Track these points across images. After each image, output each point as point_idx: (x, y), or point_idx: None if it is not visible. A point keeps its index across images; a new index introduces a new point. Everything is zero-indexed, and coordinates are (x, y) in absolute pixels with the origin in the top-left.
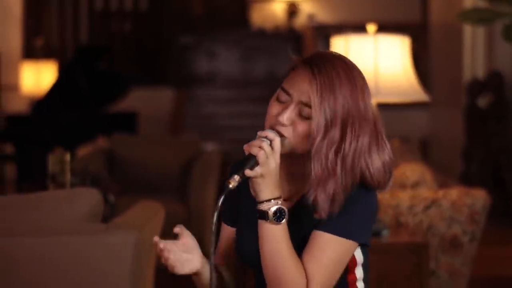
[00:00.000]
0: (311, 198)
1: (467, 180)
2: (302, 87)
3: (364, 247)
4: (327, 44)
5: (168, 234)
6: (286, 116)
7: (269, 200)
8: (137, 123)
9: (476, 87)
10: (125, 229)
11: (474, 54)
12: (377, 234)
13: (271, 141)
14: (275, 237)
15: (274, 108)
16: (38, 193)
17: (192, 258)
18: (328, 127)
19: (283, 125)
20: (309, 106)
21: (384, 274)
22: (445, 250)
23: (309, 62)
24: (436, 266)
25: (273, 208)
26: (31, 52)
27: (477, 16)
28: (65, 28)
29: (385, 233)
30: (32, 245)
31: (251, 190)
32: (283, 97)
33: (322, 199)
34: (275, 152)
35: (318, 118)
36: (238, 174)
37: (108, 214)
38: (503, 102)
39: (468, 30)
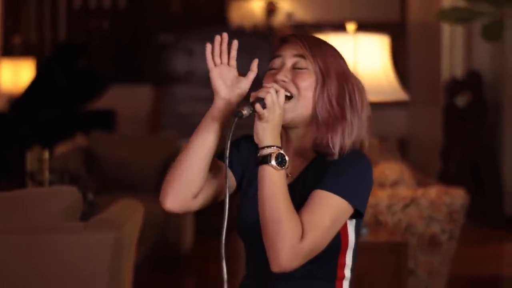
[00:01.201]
0: (323, 141)
1: (446, 179)
2: (291, 46)
3: (358, 225)
4: None
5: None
6: (283, 73)
7: (271, 146)
8: (115, 121)
9: (455, 87)
10: (104, 227)
11: (453, 53)
12: None
13: (276, 91)
14: (275, 182)
15: (269, 76)
16: (16, 191)
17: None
18: (324, 76)
19: (283, 81)
20: (303, 57)
21: (363, 273)
22: (424, 249)
23: (294, 34)
24: (414, 265)
25: (275, 153)
26: (9, 50)
27: (456, 16)
28: (44, 26)
29: (364, 232)
30: (10, 243)
31: (255, 137)
32: (275, 63)
33: (335, 140)
34: (280, 102)
35: (314, 66)
36: (247, 107)
37: (87, 212)
38: (482, 101)
39: (446, 29)
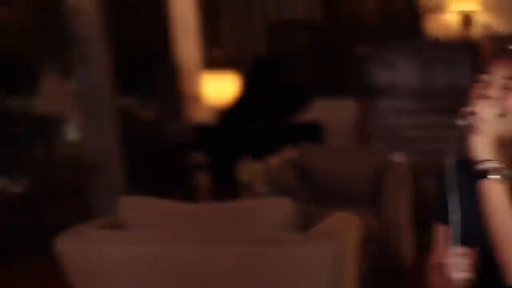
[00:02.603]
0: None
1: None
2: (503, 65)
3: None
4: None
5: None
6: (494, 91)
7: (489, 160)
8: (322, 133)
9: None
10: (325, 238)
11: None
12: None
13: (489, 106)
14: (498, 195)
15: (478, 89)
16: (234, 202)
17: None
18: None
19: (493, 99)
20: None
21: None
22: None
23: (508, 51)
24: None
25: (494, 166)
26: (210, 63)
27: None
28: (242, 39)
29: None
30: (228, 254)
31: (471, 151)
32: (485, 78)
33: None
34: (493, 117)
35: None
36: (462, 119)
37: (303, 224)
38: None
39: None
